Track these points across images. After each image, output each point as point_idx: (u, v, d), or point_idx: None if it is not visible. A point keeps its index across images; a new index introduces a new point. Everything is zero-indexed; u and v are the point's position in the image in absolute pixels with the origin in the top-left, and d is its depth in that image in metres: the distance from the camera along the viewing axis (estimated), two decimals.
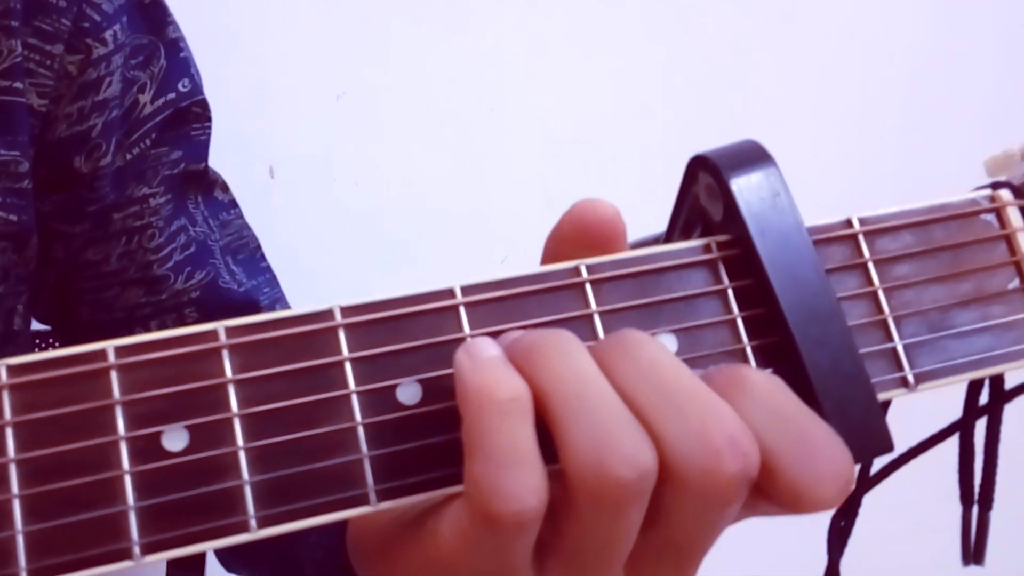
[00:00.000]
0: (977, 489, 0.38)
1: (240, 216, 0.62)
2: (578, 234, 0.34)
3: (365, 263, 0.94)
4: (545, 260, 0.36)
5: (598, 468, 0.29)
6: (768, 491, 0.30)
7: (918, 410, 0.42)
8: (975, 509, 0.37)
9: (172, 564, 0.62)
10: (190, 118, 0.57)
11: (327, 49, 0.91)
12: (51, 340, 0.81)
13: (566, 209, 0.35)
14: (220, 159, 0.61)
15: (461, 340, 0.33)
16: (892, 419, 0.36)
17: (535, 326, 0.33)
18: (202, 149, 0.58)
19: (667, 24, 1.05)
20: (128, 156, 0.55)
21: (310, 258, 0.88)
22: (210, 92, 0.59)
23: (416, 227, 0.94)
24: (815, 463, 0.30)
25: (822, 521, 0.39)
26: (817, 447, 0.30)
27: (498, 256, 0.94)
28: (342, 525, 0.43)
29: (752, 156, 0.34)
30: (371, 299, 0.33)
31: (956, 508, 0.38)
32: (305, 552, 0.50)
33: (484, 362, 0.30)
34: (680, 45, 1.05)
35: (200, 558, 0.62)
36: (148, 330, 0.57)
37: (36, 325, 0.60)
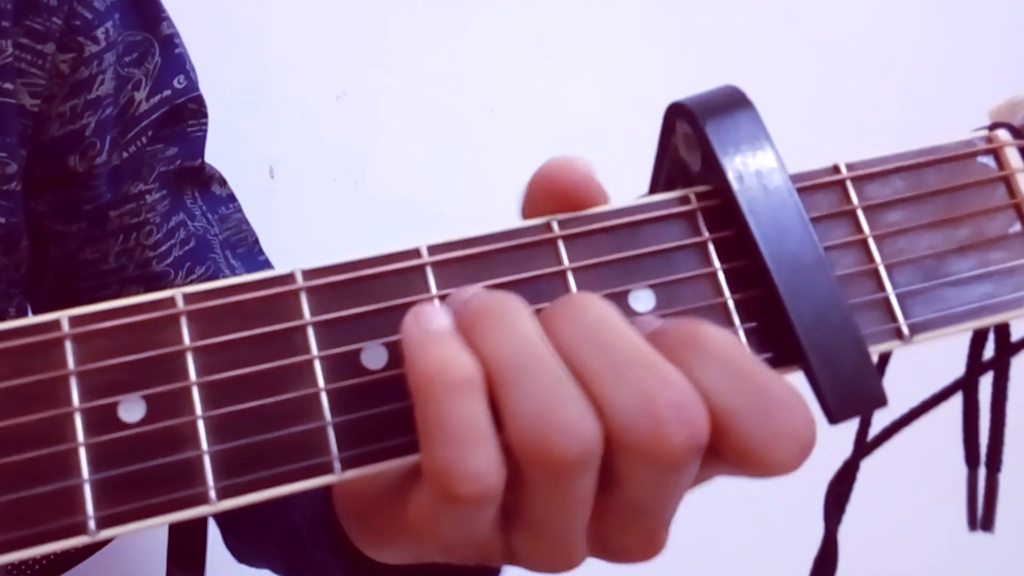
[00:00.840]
0: (984, 450, 0.35)
1: (239, 210, 0.61)
2: (549, 197, 0.33)
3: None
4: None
5: (539, 442, 0.27)
6: (721, 452, 0.29)
7: (920, 371, 0.41)
8: (982, 471, 0.35)
9: (172, 563, 0.61)
10: (186, 115, 0.57)
11: (327, 49, 0.90)
12: None
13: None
14: (220, 159, 0.60)
15: (428, 301, 0.31)
16: (894, 381, 0.34)
17: (504, 285, 0.31)
18: (198, 146, 0.58)
19: (667, 24, 1.04)
20: (124, 154, 0.54)
21: (310, 258, 0.88)
22: (210, 92, 0.58)
23: (416, 227, 0.93)
24: (770, 423, 0.28)
25: (820, 488, 0.37)
26: (773, 406, 0.28)
27: None
28: (326, 488, 0.42)
29: (729, 100, 0.32)
30: (334, 261, 0.32)
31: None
32: (296, 515, 0.49)
33: (434, 337, 0.29)
34: (680, 45, 1.03)
35: (200, 556, 0.61)
36: None
37: None
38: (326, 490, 0.43)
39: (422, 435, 0.29)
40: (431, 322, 0.29)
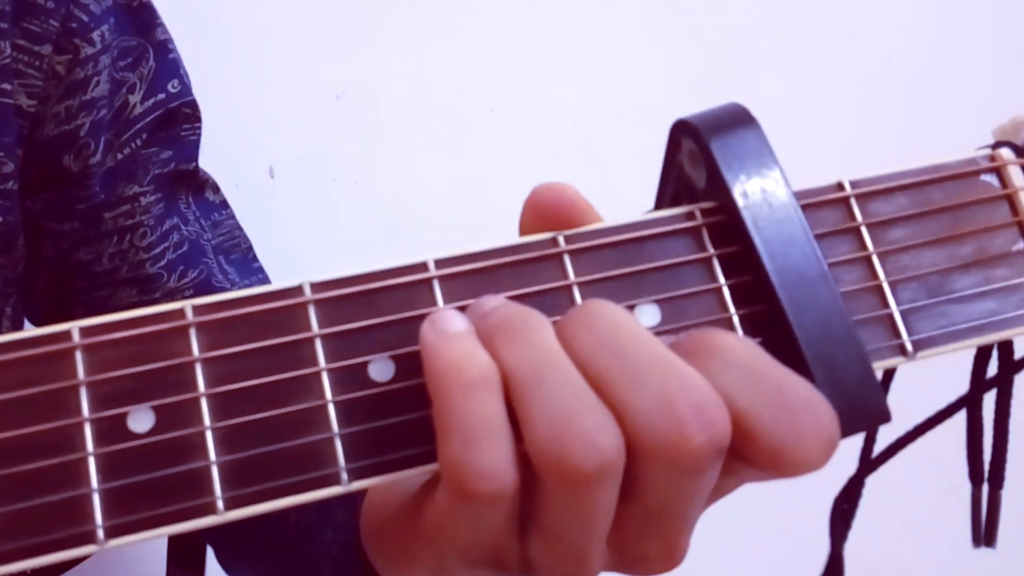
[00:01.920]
0: (987, 467, 0.36)
1: (232, 217, 0.62)
2: (541, 221, 0.33)
3: (365, 263, 0.93)
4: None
5: (559, 455, 0.28)
6: (748, 456, 0.29)
7: (924, 388, 0.41)
8: (985, 488, 0.35)
9: (171, 564, 0.61)
10: (180, 119, 0.58)
11: (327, 49, 0.90)
12: None
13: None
14: (219, 159, 0.61)
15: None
16: (899, 398, 0.35)
17: (510, 299, 0.32)
18: (192, 149, 0.59)
19: (667, 24, 1.04)
20: (118, 156, 0.55)
21: (310, 258, 0.88)
22: (209, 92, 0.59)
23: (416, 227, 0.93)
24: (794, 421, 0.28)
25: (825, 506, 0.37)
26: (795, 405, 0.28)
27: None
28: (355, 521, 0.42)
29: (734, 118, 0.33)
30: (342, 274, 0.32)
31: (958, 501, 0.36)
32: (320, 550, 0.49)
33: (450, 337, 0.29)
34: (680, 45, 1.04)
35: (200, 558, 0.61)
36: None
37: (29, 326, 0.60)
38: (354, 527, 0.43)
39: (439, 432, 0.29)
40: (448, 325, 0.30)
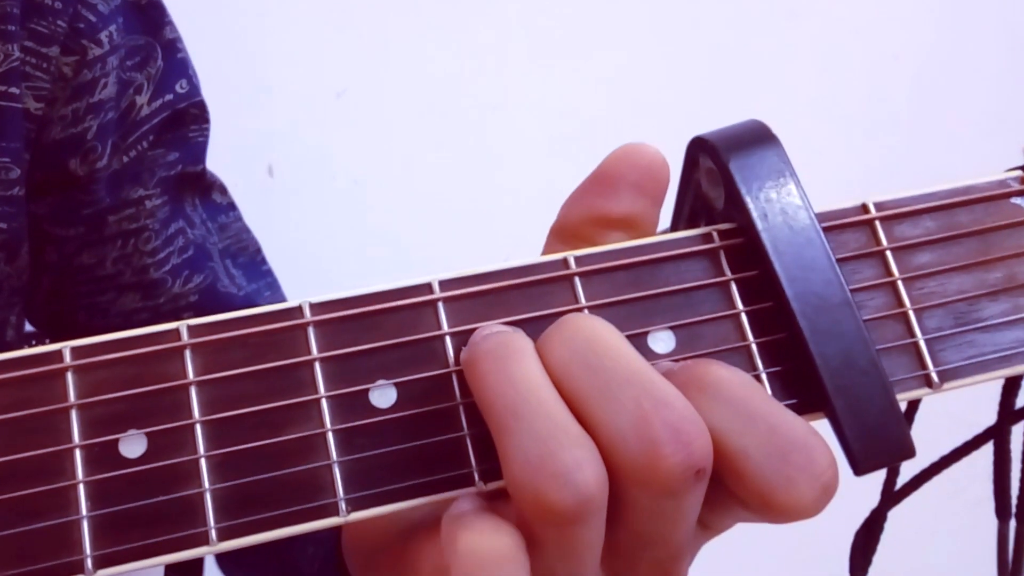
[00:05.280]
0: (1015, 501, 0.34)
1: (239, 219, 0.60)
2: (625, 175, 0.32)
3: (365, 263, 0.93)
4: (568, 215, 0.33)
5: (533, 492, 0.26)
6: (739, 495, 0.27)
7: (949, 416, 0.39)
8: (1012, 524, 0.34)
9: (170, 567, 0.60)
10: (188, 120, 0.56)
11: (326, 47, 0.90)
12: (46, 340, 0.80)
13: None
14: (218, 158, 0.60)
15: (439, 338, 0.30)
16: (921, 427, 0.33)
17: (518, 323, 0.30)
18: (200, 151, 0.57)
19: (670, 22, 1.03)
20: (124, 159, 0.54)
21: (309, 257, 0.87)
22: (209, 90, 0.58)
23: (416, 226, 0.92)
24: (786, 465, 0.27)
25: (846, 539, 0.36)
26: (789, 447, 0.27)
27: (500, 255, 0.92)
28: (335, 537, 0.41)
29: (754, 136, 0.31)
30: (343, 294, 0.31)
31: (986, 516, 0.34)
32: (304, 564, 0.48)
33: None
34: (683, 43, 1.03)
35: (199, 561, 0.60)
36: None
37: (28, 328, 0.59)
38: (333, 542, 0.42)
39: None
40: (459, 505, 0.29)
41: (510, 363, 0.28)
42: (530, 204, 1.00)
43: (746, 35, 1.06)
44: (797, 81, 1.07)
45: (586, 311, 0.31)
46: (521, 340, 0.29)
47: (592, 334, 0.28)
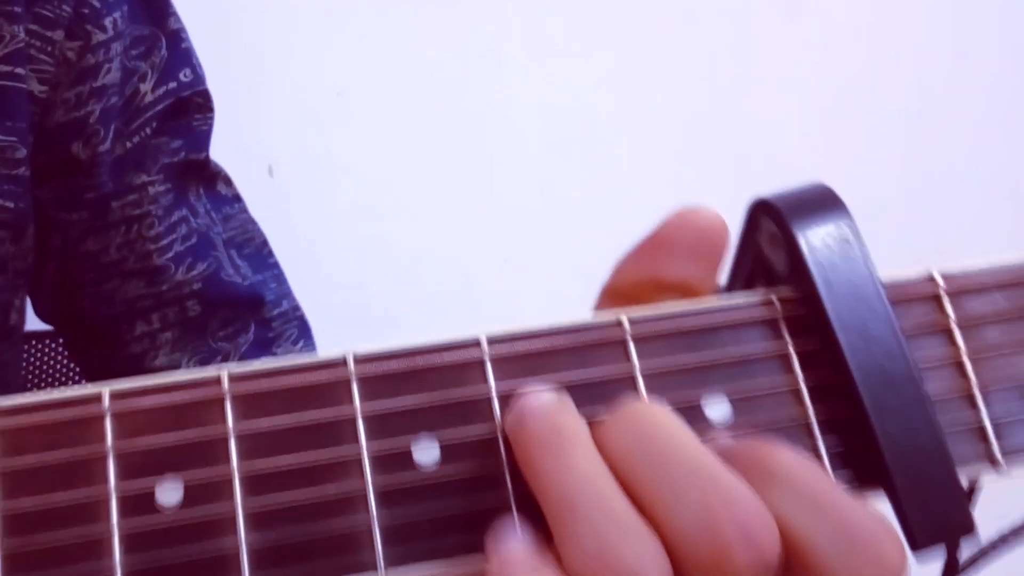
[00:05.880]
0: None
1: (245, 211, 0.61)
2: (682, 240, 0.31)
3: (364, 262, 0.92)
4: (622, 276, 0.32)
5: None
6: None
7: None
8: None
9: None
10: (191, 108, 0.57)
11: (326, 46, 0.89)
12: (47, 340, 0.80)
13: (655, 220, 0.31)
14: (219, 157, 0.60)
15: (486, 397, 0.30)
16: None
17: (567, 385, 0.29)
18: (203, 139, 0.58)
19: (670, 23, 1.02)
20: (128, 144, 0.55)
21: (309, 257, 0.86)
22: (209, 89, 0.58)
23: (416, 226, 0.92)
24: (856, 558, 0.26)
25: None
26: (860, 539, 0.26)
27: (499, 256, 0.91)
28: None
29: (821, 201, 0.30)
30: (388, 348, 0.30)
31: None
32: None
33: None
34: (683, 44, 1.02)
35: None
36: (149, 323, 0.55)
37: (31, 326, 0.59)
38: None
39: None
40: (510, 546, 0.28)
41: (565, 452, 0.27)
42: (529, 203, 1.00)
43: (746, 35, 1.05)
44: (797, 81, 1.06)
45: (640, 378, 0.30)
46: (575, 424, 0.28)
47: (653, 423, 0.27)
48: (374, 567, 0.29)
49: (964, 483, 0.30)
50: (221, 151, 0.61)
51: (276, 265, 0.62)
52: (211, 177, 0.60)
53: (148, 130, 0.55)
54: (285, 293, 0.62)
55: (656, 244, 0.31)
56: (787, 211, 0.30)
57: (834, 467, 0.30)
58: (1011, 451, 0.30)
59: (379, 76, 0.92)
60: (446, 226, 0.95)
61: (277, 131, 0.88)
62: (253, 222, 0.62)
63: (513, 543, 0.28)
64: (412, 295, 0.91)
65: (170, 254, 0.56)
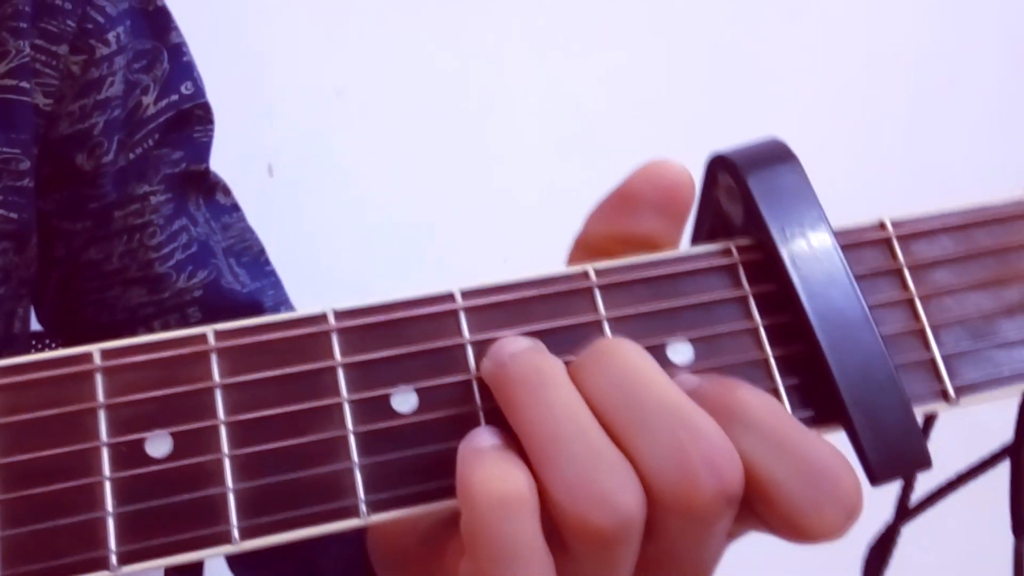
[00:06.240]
0: None
1: (242, 220, 0.62)
2: (647, 195, 0.32)
3: (365, 262, 0.93)
4: (591, 230, 0.33)
5: (576, 516, 0.27)
6: (766, 519, 0.28)
7: (966, 433, 0.39)
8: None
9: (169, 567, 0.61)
10: (192, 120, 0.58)
11: (326, 45, 0.90)
12: (47, 341, 0.81)
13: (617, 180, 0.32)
14: (218, 157, 0.61)
15: (460, 346, 0.31)
16: (937, 443, 0.33)
17: (538, 333, 0.31)
18: (203, 151, 0.59)
19: (670, 21, 1.03)
20: (130, 155, 0.56)
21: (309, 257, 0.87)
22: (209, 90, 0.60)
23: (416, 226, 0.93)
24: (815, 491, 0.28)
25: (858, 552, 0.36)
26: (818, 474, 0.28)
27: (500, 255, 0.92)
28: (361, 533, 0.42)
29: (773, 153, 0.32)
30: (366, 303, 0.31)
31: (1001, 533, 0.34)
32: (326, 563, 0.49)
33: (482, 456, 0.29)
34: (683, 43, 1.03)
35: (199, 565, 0.61)
36: (151, 331, 0.57)
37: (34, 326, 0.60)
38: (358, 542, 0.42)
39: (467, 545, 0.28)
40: (479, 443, 0.29)
41: (547, 390, 0.29)
42: (530, 202, 1.01)
43: (746, 34, 1.07)
44: (797, 81, 1.07)
45: (607, 324, 0.31)
46: (553, 364, 0.29)
47: (628, 363, 0.29)
48: (357, 511, 0.30)
49: (919, 418, 0.31)
50: (221, 151, 0.62)
51: (273, 273, 0.63)
52: (211, 187, 0.61)
53: (150, 141, 0.57)
54: (283, 299, 0.63)
55: (622, 199, 0.32)
56: (742, 163, 0.32)
57: (793, 405, 0.31)
58: (961, 383, 0.31)
59: (379, 75, 0.93)
60: (446, 225, 0.96)
61: (277, 130, 0.89)
62: (251, 231, 0.63)
63: (483, 434, 0.29)
64: (412, 294, 0.92)
65: (171, 262, 0.57)
